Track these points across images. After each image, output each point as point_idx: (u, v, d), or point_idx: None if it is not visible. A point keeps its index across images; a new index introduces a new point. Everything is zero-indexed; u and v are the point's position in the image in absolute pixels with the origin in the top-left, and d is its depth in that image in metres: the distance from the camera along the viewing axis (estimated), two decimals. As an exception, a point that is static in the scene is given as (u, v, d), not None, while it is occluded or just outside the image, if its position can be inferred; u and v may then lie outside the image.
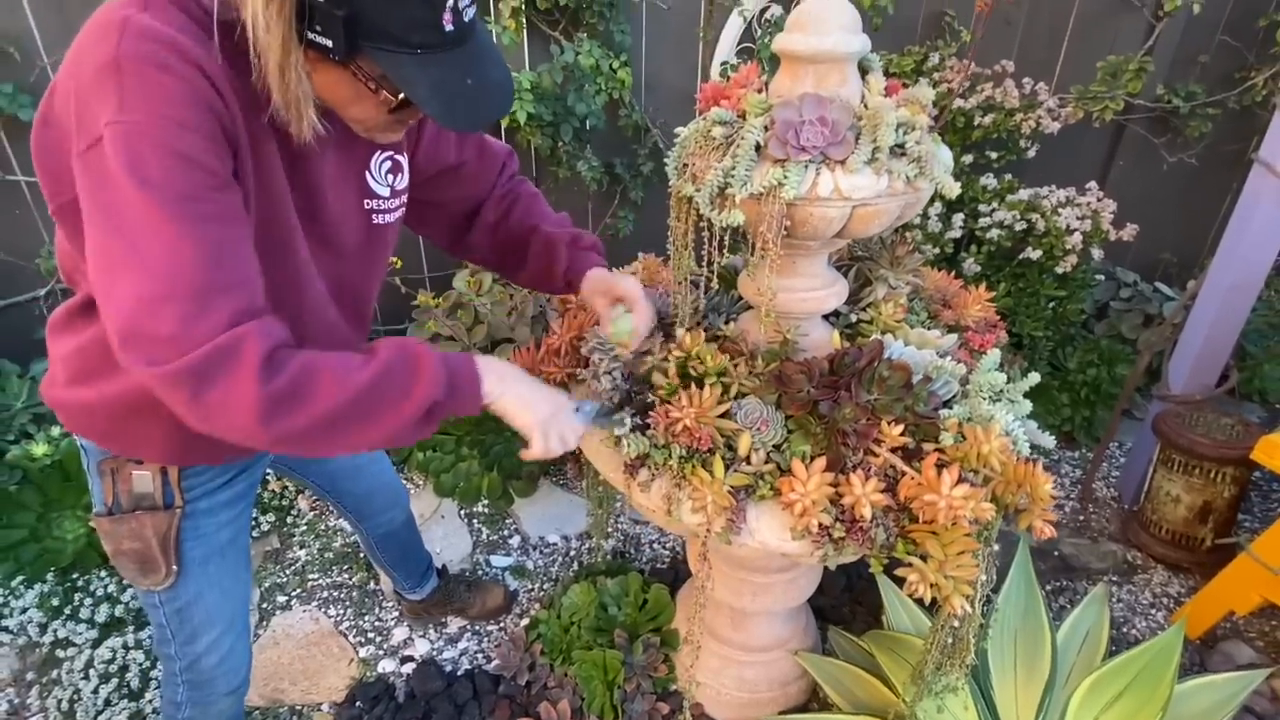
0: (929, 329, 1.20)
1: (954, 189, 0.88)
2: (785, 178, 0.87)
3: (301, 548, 1.99)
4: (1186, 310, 2.02)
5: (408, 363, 0.75)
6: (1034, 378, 1.10)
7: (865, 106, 0.91)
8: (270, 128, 0.73)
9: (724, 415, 0.99)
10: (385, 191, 0.94)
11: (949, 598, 0.87)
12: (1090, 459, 2.31)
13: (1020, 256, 2.24)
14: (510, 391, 0.85)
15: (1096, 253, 2.23)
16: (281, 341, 0.69)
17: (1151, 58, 2.31)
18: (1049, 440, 1.07)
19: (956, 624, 1.01)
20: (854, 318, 1.20)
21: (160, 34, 0.63)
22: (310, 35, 0.66)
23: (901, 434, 0.93)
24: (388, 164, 0.94)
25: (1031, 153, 2.36)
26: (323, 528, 2.06)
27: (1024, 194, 2.29)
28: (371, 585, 1.88)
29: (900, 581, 1.57)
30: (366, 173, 0.91)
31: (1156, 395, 2.05)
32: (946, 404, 1.03)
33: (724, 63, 2.24)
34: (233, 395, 0.65)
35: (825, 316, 1.19)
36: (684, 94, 2.36)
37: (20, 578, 1.80)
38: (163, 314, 0.63)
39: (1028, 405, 1.09)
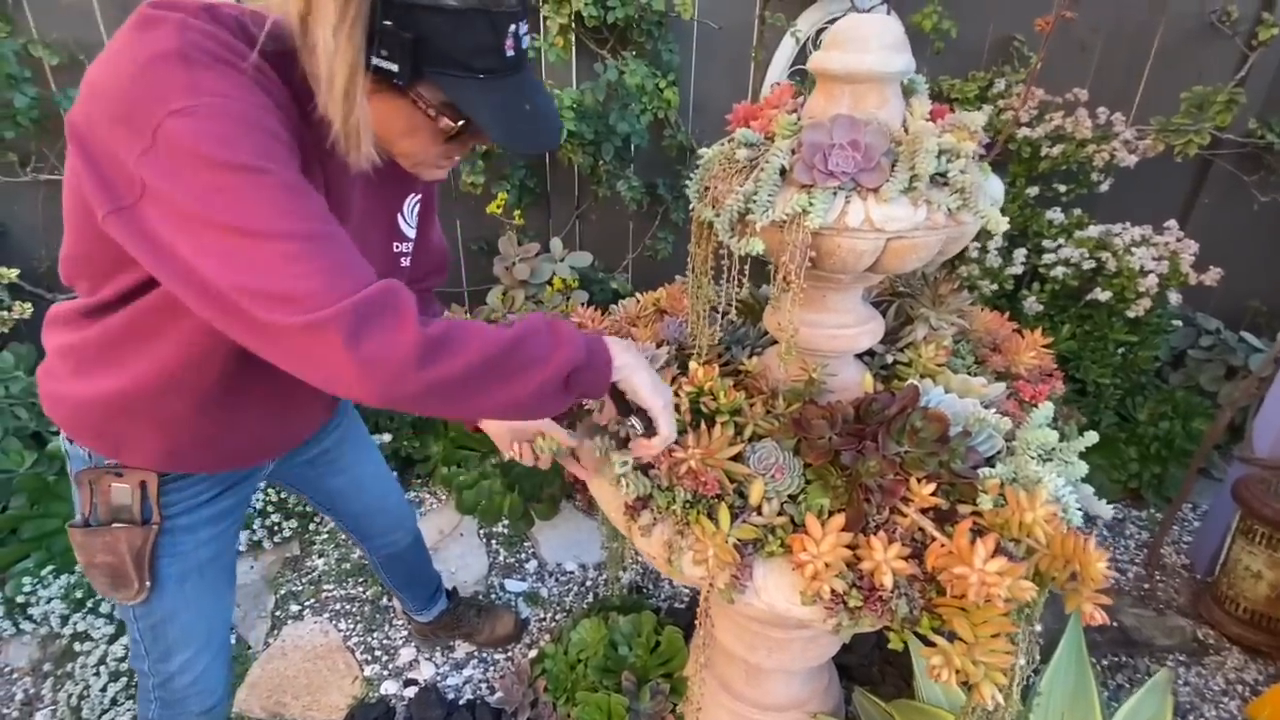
0: (974, 375, 1.09)
1: (1001, 224, 0.79)
2: (811, 205, 0.79)
3: (320, 556, 1.98)
4: (1277, 364, 1.83)
5: (548, 328, 0.73)
6: (1092, 436, 0.98)
7: (906, 131, 0.83)
8: (318, 165, 0.73)
9: (736, 458, 0.91)
10: (411, 234, 0.94)
11: (978, 686, 0.76)
12: (1160, 521, 2.11)
13: (1088, 297, 2.08)
14: (640, 372, 0.81)
15: (1174, 297, 2.05)
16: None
17: (1243, 89, 2.13)
18: (1107, 510, 0.95)
19: (990, 709, 0.89)
20: (890, 359, 1.11)
21: (222, 37, 0.64)
22: (375, 61, 0.66)
23: (933, 493, 0.84)
24: (418, 206, 0.94)
25: (1104, 186, 2.20)
26: (343, 537, 2.05)
27: (1094, 230, 2.13)
28: (384, 601, 1.85)
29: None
30: (399, 215, 0.91)
31: (1238, 457, 1.86)
32: (989, 462, 0.93)
33: (774, 84, 2.17)
34: (393, 336, 0.61)
35: (859, 356, 1.10)
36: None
37: (50, 567, 1.83)
38: (307, 269, 0.60)
39: (1083, 467, 0.97)
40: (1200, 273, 2.05)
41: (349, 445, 1.22)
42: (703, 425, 0.92)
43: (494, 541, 2.06)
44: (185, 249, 0.60)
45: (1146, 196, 2.40)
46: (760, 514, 0.88)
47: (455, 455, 2.17)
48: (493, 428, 0.97)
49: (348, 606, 1.83)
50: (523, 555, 2.01)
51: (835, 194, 0.80)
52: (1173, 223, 2.15)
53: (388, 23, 0.64)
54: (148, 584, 0.91)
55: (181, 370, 0.79)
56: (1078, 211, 2.21)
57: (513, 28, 0.69)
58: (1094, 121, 2.12)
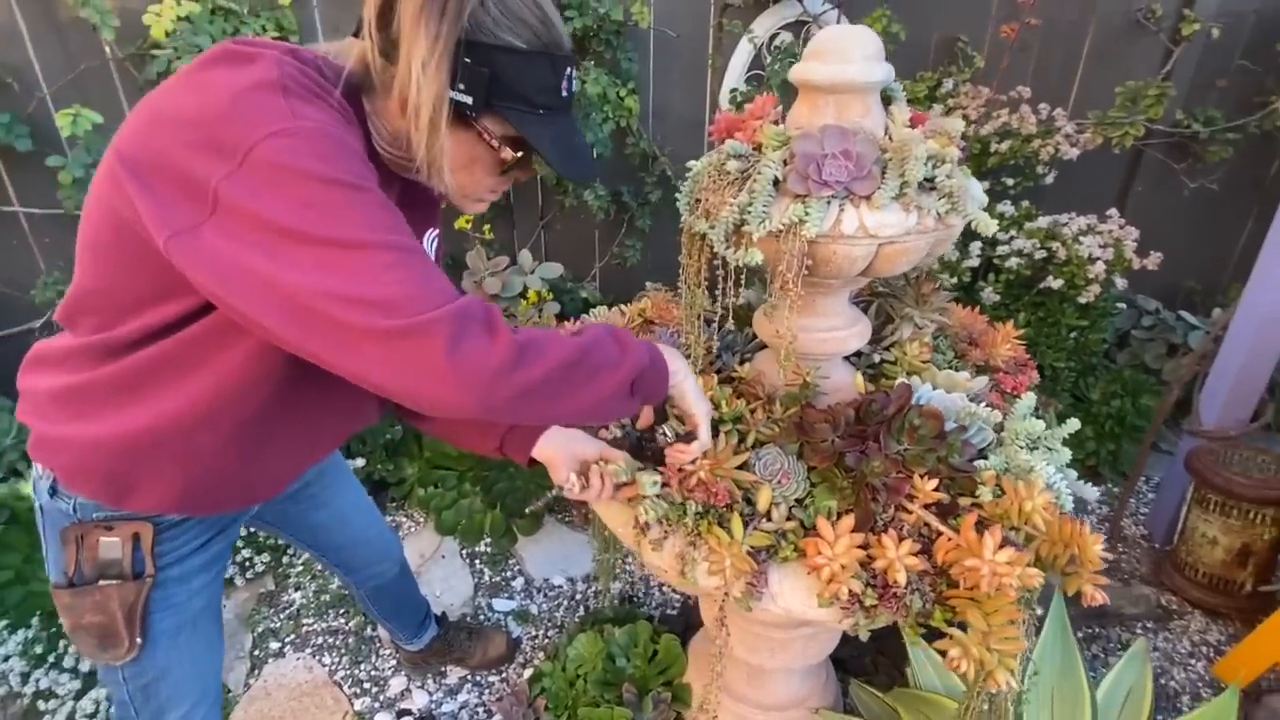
0: (956, 370, 1.13)
1: (991, 226, 0.82)
2: (807, 214, 0.81)
3: (297, 590, 1.91)
4: (1217, 341, 1.94)
5: (613, 335, 0.77)
6: (1073, 424, 1.02)
7: (890, 139, 0.86)
8: None
9: (741, 466, 0.92)
10: None
11: (992, 673, 0.79)
12: (1118, 496, 2.21)
13: (1041, 286, 2.17)
14: (689, 379, 0.87)
15: (1120, 282, 2.16)
16: None
17: (1171, 83, 2.26)
18: (1093, 492, 0.99)
19: (994, 692, 0.92)
20: (877, 358, 1.13)
21: (311, 75, 0.68)
22: (452, 94, 0.71)
23: (935, 488, 0.86)
24: (436, 242, 0.96)
25: (1049, 179, 2.30)
26: (319, 568, 1.98)
27: (1043, 221, 2.23)
28: (369, 631, 1.79)
29: (929, 637, 1.47)
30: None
31: (1188, 430, 1.96)
32: (981, 454, 0.96)
33: (733, 90, 2.20)
34: (489, 341, 0.63)
35: (846, 357, 1.13)
36: (692, 121, 2.33)
37: (4, 622, 1.72)
38: (405, 277, 0.61)
39: (1067, 454, 1.01)
40: (1142, 257, 2.16)
41: (329, 477, 1.19)
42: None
43: (478, 561, 2.03)
44: (264, 264, 0.59)
45: (1087, 187, 2.52)
46: (770, 520, 0.89)
47: (431, 476, 2.12)
48: (551, 454, 0.94)
49: (330, 639, 1.78)
50: (508, 573, 1.98)
51: (829, 203, 0.82)
52: (1114, 211, 2.26)
53: (467, 60, 0.70)
54: (138, 640, 0.86)
55: (223, 402, 0.76)
56: (1026, 203, 2.31)
57: (568, 70, 0.77)
58: (1037, 117, 2.22)
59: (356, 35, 0.74)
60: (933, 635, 0.86)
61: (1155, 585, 1.95)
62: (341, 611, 1.85)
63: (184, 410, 0.75)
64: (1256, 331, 1.81)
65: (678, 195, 0.96)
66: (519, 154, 0.78)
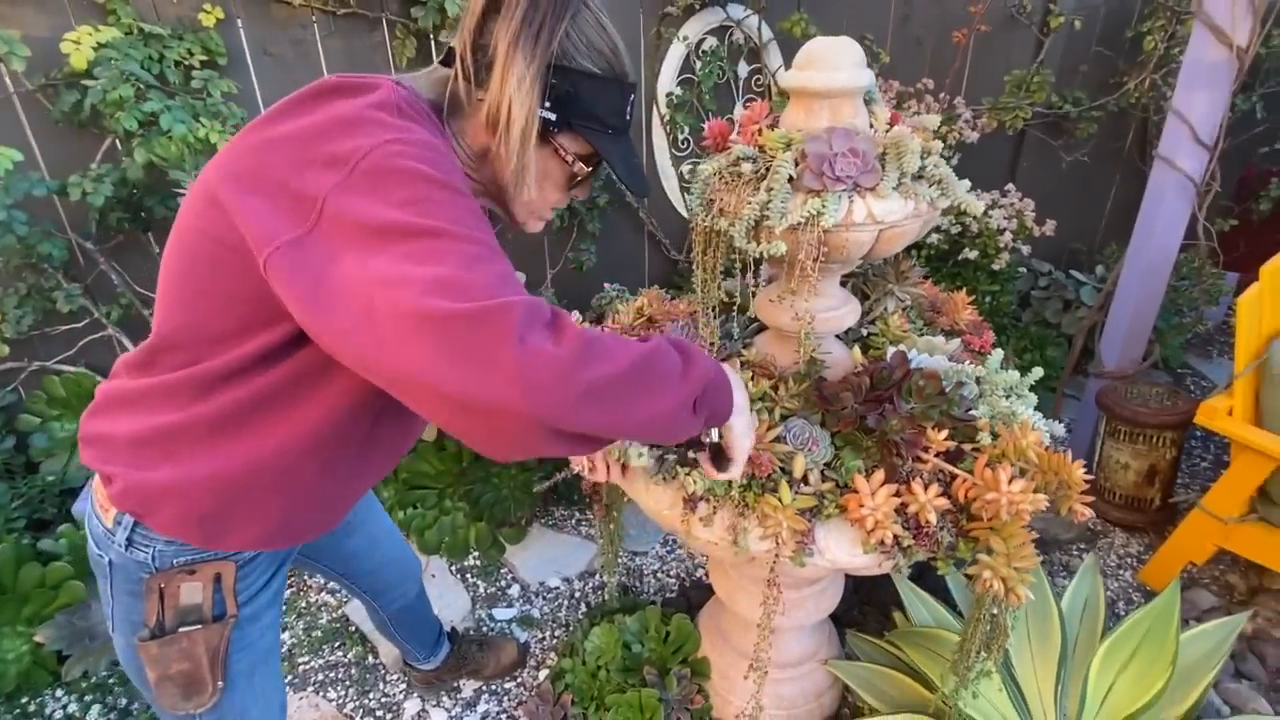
0: (930, 336, 1.27)
1: (978, 206, 0.95)
2: (824, 207, 0.90)
3: (286, 630, 1.85)
4: (1109, 295, 2.23)
5: (679, 347, 0.74)
6: (1038, 372, 1.18)
7: (883, 134, 0.97)
8: None
9: (776, 440, 1.01)
10: None
11: (1014, 589, 0.92)
12: (1039, 438, 2.48)
13: (959, 257, 2.41)
14: (746, 411, 0.86)
15: (1025, 248, 2.42)
16: None
17: (1049, 69, 2.55)
18: (1060, 429, 1.15)
19: (995, 611, 1.06)
20: (864, 332, 1.26)
21: (419, 104, 0.74)
22: (540, 111, 0.77)
23: (945, 438, 0.98)
24: None
25: (954, 161, 2.55)
26: (303, 605, 1.92)
27: (953, 199, 2.46)
28: (370, 660, 1.77)
29: (918, 579, 1.62)
30: None
31: (1094, 373, 2.24)
32: (970, 405, 1.10)
33: (669, 93, 2.30)
34: (558, 335, 0.61)
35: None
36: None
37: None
38: (488, 270, 0.62)
39: (1034, 398, 1.17)
40: (1040, 226, 2.43)
41: (362, 501, 1.19)
42: (741, 415, 1.01)
43: (468, 575, 2.03)
44: (355, 266, 0.60)
45: (983, 166, 2.80)
46: (807, 484, 0.99)
47: (409, 497, 2.10)
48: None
49: (331, 674, 1.74)
50: (502, 582, 2.00)
51: (841, 196, 0.92)
52: (1011, 186, 2.54)
53: (553, 81, 0.77)
54: (220, 684, 0.85)
55: (329, 431, 0.76)
56: (936, 184, 2.54)
57: (631, 97, 0.85)
58: (939, 105, 2.45)
59: (446, 64, 0.80)
60: (959, 566, 0.99)
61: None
62: (337, 645, 1.81)
63: (288, 445, 0.76)
64: (1140, 284, 2.09)
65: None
66: (589, 169, 0.86)
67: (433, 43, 2.01)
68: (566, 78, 0.77)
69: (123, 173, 1.72)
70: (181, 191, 1.67)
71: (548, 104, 0.77)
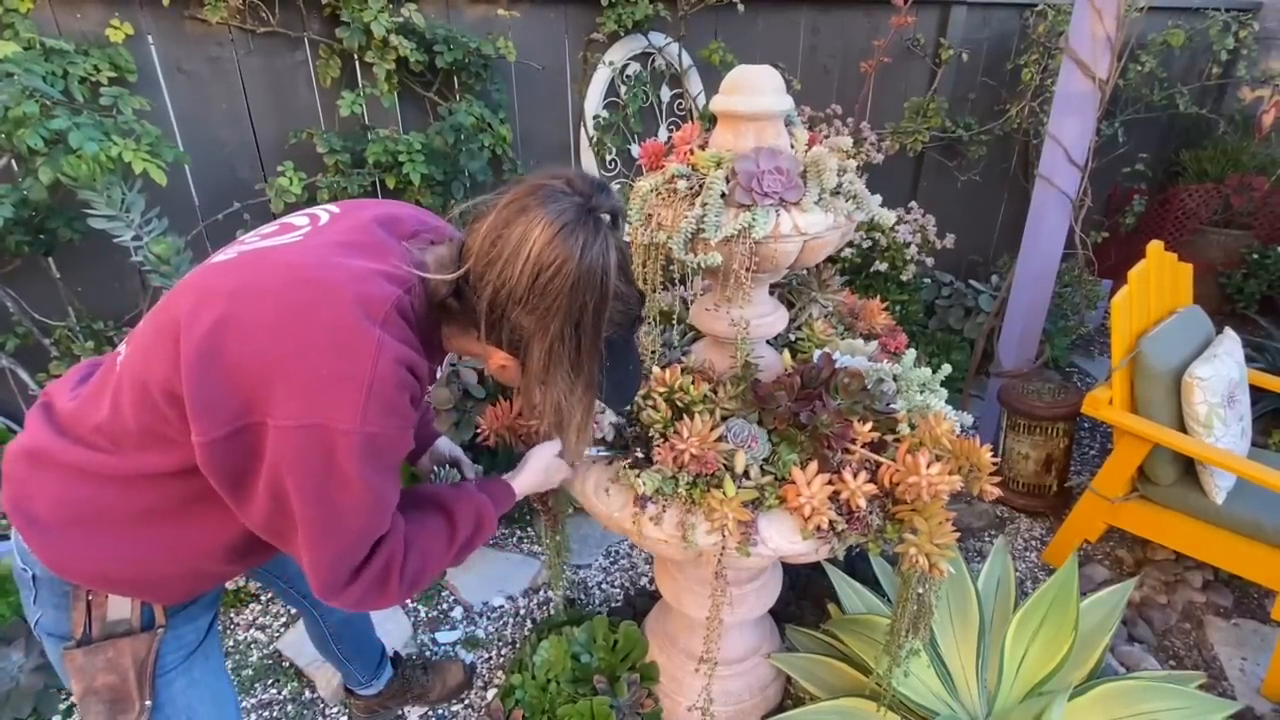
0: (851, 340, 1.37)
1: (890, 218, 1.05)
2: (754, 220, 0.98)
3: (212, 671, 1.75)
4: (1003, 302, 2.44)
5: (480, 520, 0.98)
6: (947, 368, 1.30)
7: (804, 154, 1.06)
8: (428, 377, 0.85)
9: (717, 439, 1.07)
10: None
11: (936, 564, 1.01)
12: (950, 435, 2.67)
13: (871, 269, 2.58)
14: (524, 485, 1.09)
15: (929, 260, 2.62)
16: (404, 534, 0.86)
17: (944, 97, 2.78)
18: (968, 418, 1.27)
19: (921, 590, 1.15)
20: (792, 337, 1.35)
21: (404, 356, 0.73)
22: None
23: (870, 430, 1.07)
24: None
25: (863, 181, 2.73)
26: (231, 643, 1.83)
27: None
28: (307, 694, 1.70)
29: (850, 571, 1.72)
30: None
31: (994, 373, 2.44)
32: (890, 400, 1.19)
33: (595, 115, 2.37)
34: (384, 594, 0.83)
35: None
36: (559, 145, 2.46)
37: None
38: (353, 560, 0.78)
39: (944, 392, 1.29)
40: (942, 240, 2.64)
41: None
42: (684, 416, 1.07)
43: (408, 601, 1.98)
44: (300, 500, 0.75)
45: (888, 185, 3.01)
46: (748, 479, 1.06)
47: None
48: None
49: (267, 713, 1.66)
50: (444, 605, 1.97)
51: (769, 210, 1.00)
52: (914, 203, 2.74)
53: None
54: (148, 702, 0.82)
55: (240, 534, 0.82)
56: (848, 202, 2.72)
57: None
58: (848, 130, 2.64)
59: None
60: (892, 561, 1.07)
61: (990, 502, 2.39)
62: (270, 682, 1.73)
63: (206, 544, 0.81)
64: (1030, 291, 2.31)
65: (632, 215, 1.10)
66: None
67: (357, 63, 2.01)
68: (592, 343, 0.81)
69: (22, 194, 1.62)
70: (92, 213, 1.60)
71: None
